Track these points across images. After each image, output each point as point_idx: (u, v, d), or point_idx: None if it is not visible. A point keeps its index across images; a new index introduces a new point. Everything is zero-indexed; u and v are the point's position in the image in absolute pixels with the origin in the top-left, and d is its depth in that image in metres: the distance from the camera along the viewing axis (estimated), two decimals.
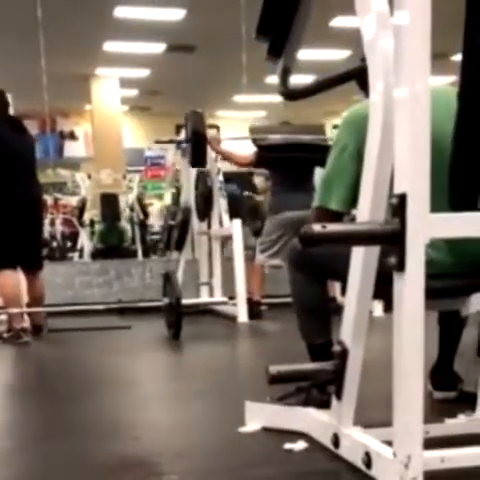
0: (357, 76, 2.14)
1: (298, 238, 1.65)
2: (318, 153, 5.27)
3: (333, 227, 1.65)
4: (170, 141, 6.77)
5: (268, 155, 5.59)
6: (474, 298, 2.05)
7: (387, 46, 1.77)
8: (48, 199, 10.70)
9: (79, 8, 9.25)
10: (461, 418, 2.14)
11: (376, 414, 2.10)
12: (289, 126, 6.19)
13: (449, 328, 2.62)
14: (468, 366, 2.73)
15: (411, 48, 1.60)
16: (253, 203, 8.00)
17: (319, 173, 5.46)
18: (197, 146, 5.71)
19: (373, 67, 1.84)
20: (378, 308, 5.14)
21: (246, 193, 7.43)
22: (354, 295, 1.90)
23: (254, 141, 5.67)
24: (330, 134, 6.12)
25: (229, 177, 6.56)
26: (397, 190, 1.61)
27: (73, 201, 12.05)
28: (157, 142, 7.39)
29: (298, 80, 2.27)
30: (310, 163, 5.56)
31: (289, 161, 5.50)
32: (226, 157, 6.03)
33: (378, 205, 1.80)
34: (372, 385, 2.31)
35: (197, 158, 5.78)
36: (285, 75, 2.20)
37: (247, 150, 5.91)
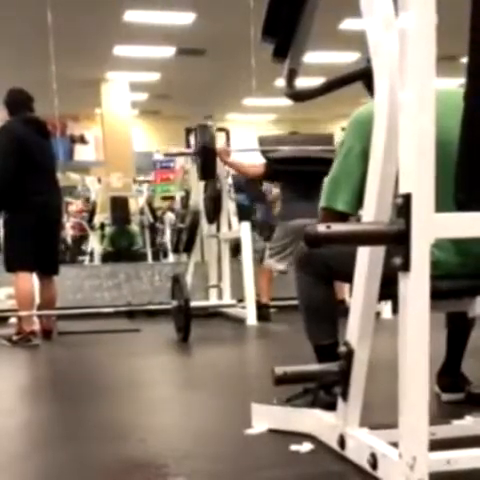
0: (363, 77, 2.14)
1: (303, 238, 1.65)
2: (327, 166, 5.28)
3: (338, 227, 1.65)
4: (180, 154, 6.84)
5: (277, 167, 5.60)
6: None
7: (392, 48, 1.77)
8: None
9: (89, 12, 9.29)
10: (468, 420, 2.13)
11: (382, 415, 2.10)
12: (298, 136, 6.21)
13: (457, 330, 2.61)
14: (476, 368, 2.72)
15: (416, 49, 1.60)
16: (262, 207, 8.02)
17: None
18: (206, 160, 5.77)
19: (378, 68, 1.85)
20: (387, 310, 5.14)
21: (256, 205, 7.45)
22: (360, 296, 1.90)
23: (263, 153, 5.69)
24: (338, 136, 6.11)
25: (238, 187, 6.58)
26: (402, 190, 1.61)
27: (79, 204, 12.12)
28: (166, 155, 7.45)
29: (307, 83, 2.28)
30: (319, 175, 5.57)
31: (298, 174, 5.52)
32: (235, 169, 6.05)
33: (383, 205, 1.80)
34: (379, 386, 2.31)
35: (206, 172, 5.87)
36: (291, 77, 2.21)
37: (257, 160, 5.92)
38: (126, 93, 13.55)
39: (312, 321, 2.43)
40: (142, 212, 11.03)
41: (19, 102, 5.01)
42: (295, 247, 5.43)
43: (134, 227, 10.90)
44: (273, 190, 7.08)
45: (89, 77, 12.59)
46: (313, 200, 5.21)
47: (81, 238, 11.73)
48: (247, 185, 7.25)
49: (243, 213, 6.32)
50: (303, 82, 2.24)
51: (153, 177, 12.06)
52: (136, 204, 11.32)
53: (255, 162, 5.97)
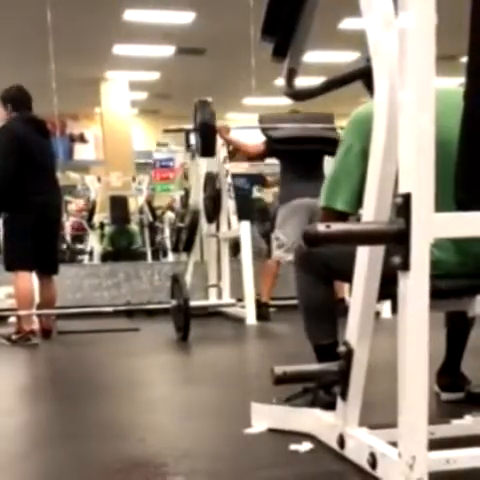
0: (363, 77, 2.14)
1: (303, 238, 1.65)
2: (328, 145, 5.28)
3: (337, 227, 1.65)
4: (179, 129, 6.77)
5: (278, 147, 5.57)
6: None
7: (392, 47, 1.77)
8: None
9: (89, 11, 9.29)
10: (467, 419, 2.13)
11: (382, 415, 2.10)
12: (298, 115, 6.15)
13: (456, 329, 2.61)
14: (475, 367, 2.72)
15: (416, 49, 1.60)
16: (262, 205, 7.99)
17: (329, 162, 5.45)
18: (206, 136, 5.71)
19: (378, 68, 1.85)
20: (387, 309, 5.14)
21: (255, 188, 7.39)
22: (359, 295, 1.90)
23: (263, 131, 5.65)
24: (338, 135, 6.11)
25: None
26: (402, 190, 1.61)
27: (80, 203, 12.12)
28: (166, 131, 7.38)
29: (307, 82, 2.27)
30: (320, 154, 5.56)
31: (299, 153, 5.49)
32: (235, 146, 5.98)
33: (383, 205, 1.80)
34: (378, 386, 2.31)
35: (206, 148, 5.79)
36: (290, 76, 2.21)
37: (257, 140, 5.88)
38: (126, 92, 13.55)
39: (312, 321, 2.43)
40: (141, 211, 11.03)
41: (23, 99, 5.01)
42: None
43: (134, 226, 10.90)
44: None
45: (89, 76, 12.58)
46: (313, 180, 5.20)
47: (81, 237, 11.74)
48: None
49: (243, 197, 6.26)
50: (303, 81, 2.24)
51: (152, 175, 12.06)
52: (136, 203, 11.33)
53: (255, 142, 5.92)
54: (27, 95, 5.03)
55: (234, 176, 6.08)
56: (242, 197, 6.21)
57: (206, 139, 5.74)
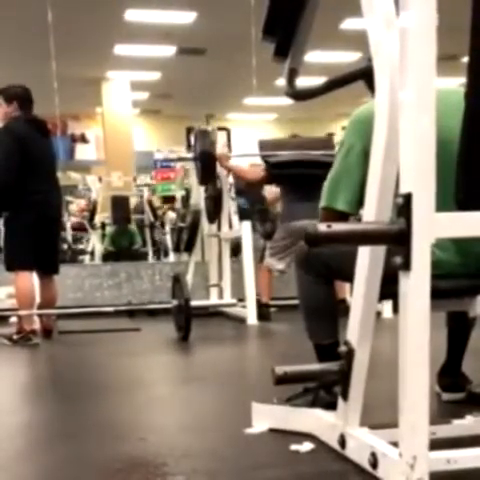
0: (364, 77, 2.14)
1: (303, 238, 1.65)
2: (326, 169, 5.28)
3: (338, 227, 1.65)
4: (179, 159, 6.88)
5: (278, 172, 5.60)
6: None
7: (393, 47, 1.77)
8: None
9: (90, 11, 9.30)
10: (468, 419, 2.13)
11: (382, 415, 2.10)
12: (297, 140, 6.21)
13: (457, 329, 2.61)
14: (476, 367, 2.72)
15: (416, 49, 1.60)
16: (262, 207, 7.99)
17: None
18: (206, 165, 5.80)
19: (379, 68, 1.84)
20: (388, 309, 5.14)
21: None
22: (360, 295, 1.90)
23: (263, 158, 5.69)
24: (338, 136, 6.12)
25: (238, 191, 6.58)
26: (402, 190, 1.61)
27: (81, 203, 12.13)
28: (166, 160, 7.49)
29: (308, 82, 2.27)
30: (318, 178, 5.56)
31: (297, 177, 5.52)
32: (235, 173, 6.05)
33: (384, 205, 1.80)
34: (379, 386, 2.31)
35: (206, 177, 5.90)
36: (292, 76, 2.21)
37: (257, 162, 5.93)
38: (127, 92, 13.56)
39: (312, 320, 2.43)
40: (141, 211, 11.03)
41: (29, 100, 5.01)
42: (295, 249, 5.42)
43: (135, 226, 10.91)
44: (272, 189, 7.04)
45: (90, 76, 12.60)
46: (314, 201, 5.19)
47: (82, 237, 11.74)
48: (247, 188, 7.24)
49: (243, 217, 6.30)
50: (304, 81, 2.24)
51: (154, 175, 12.06)
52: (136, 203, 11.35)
53: (256, 164, 5.96)
54: (31, 97, 5.04)
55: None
56: (242, 214, 6.28)
57: (206, 167, 5.85)
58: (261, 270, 5.81)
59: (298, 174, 5.51)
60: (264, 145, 5.84)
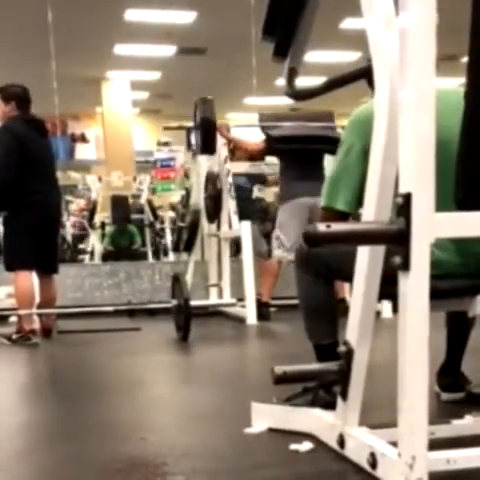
0: (364, 76, 2.14)
1: (303, 238, 1.65)
2: (327, 144, 5.27)
3: (338, 227, 1.65)
4: (180, 127, 6.77)
5: (277, 146, 5.56)
6: None
7: (392, 47, 1.77)
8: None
9: (90, 11, 9.30)
10: (468, 419, 2.13)
11: (382, 415, 2.11)
12: (298, 113, 6.14)
13: (457, 329, 2.61)
14: (476, 367, 2.72)
15: (416, 49, 1.60)
16: (263, 205, 7.97)
17: (329, 160, 5.44)
18: (206, 133, 5.70)
19: (378, 68, 1.85)
20: (387, 309, 5.13)
21: (256, 187, 7.37)
22: (360, 295, 1.90)
23: (263, 129, 5.64)
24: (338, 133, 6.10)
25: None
26: (402, 189, 1.61)
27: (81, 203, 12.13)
28: (166, 128, 7.40)
29: (308, 82, 2.28)
30: (320, 153, 5.55)
31: (298, 152, 5.48)
32: (235, 144, 5.98)
33: (383, 204, 1.80)
34: (378, 386, 2.31)
35: (206, 145, 5.78)
36: (291, 76, 2.21)
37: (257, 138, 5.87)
38: (127, 92, 13.56)
39: (312, 320, 2.43)
40: (142, 211, 11.03)
41: (27, 100, 5.00)
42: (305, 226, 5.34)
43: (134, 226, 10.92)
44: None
45: (90, 76, 12.59)
46: (313, 179, 5.18)
47: (82, 237, 11.75)
48: (247, 160, 7.17)
49: (244, 195, 6.26)
50: (304, 81, 2.24)
51: (153, 174, 12.05)
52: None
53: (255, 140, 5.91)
54: (30, 97, 5.03)
55: (235, 175, 6.08)
56: (243, 196, 6.20)
57: (206, 136, 5.73)
58: (267, 268, 5.76)
59: (298, 149, 5.47)
60: (264, 117, 5.81)
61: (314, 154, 5.48)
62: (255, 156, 6.28)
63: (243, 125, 6.51)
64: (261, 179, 6.78)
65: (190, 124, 6.28)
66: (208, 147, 5.82)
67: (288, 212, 5.51)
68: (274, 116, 5.95)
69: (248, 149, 5.92)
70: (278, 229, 5.62)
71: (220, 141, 5.95)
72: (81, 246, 11.53)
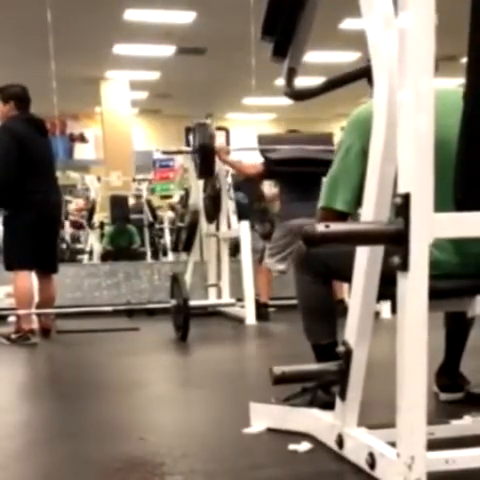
0: (364, 76, 2.14)
1: (301, 238, 1.65)
2: (325, 167, 5.27)
3: (336, 227, 1.65)
4: (178, 152, 6.85)
5: (275, 169, 5.59)
6: None
7: (391, 47, 1.77)
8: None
9: (89, 11, 9.30)
10: (466, 419, 2.13)
11: (380, 415, 2.10)
12: (297, 135, 6.19)
13: (455, 329, 2.61)
14: (475, 367, 2.72)
15: (415, 49, 1.60)
16: (261, 207, 7.99)
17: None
18: (205, 158, 5.78)
19: (378, 68, 1.85)
20: (386, 309, 5.13)
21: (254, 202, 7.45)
22: (358, 295, 1.90)
23: (262, 153, 5.68)
24: (337, 136, 6.11)
25: (237, 185, 6.57)
26: (401, 190, 1.61)
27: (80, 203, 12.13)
28: (165, 153, 7.46)
29: (308, 82, 2.28)
30: (317, 176, 5.57)
31: (296, 175, 5.51)
32: (234, 168, 6.04)
33: (382, 205, 1.80)
34: (377, 386, 2.31)
35: (205, 170, 5.88)
36: (290, 76, 2.21)
37: (256, 160, 5.91)
38: (126, 92, 13.56)
39: (311, 320, 2.43)
40: (141, 211, 11.03)
41: (26, 100, 5.00)
42: (294, 247, 5.42)
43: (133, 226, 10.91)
44: (271, 189, 7.05)
45: (89, 76, 12.59)
46: (311, 200, 5.19)
47: (80, 237, 11.74)
48: (246, 183, 7.24)
49: (242, 212, 6.31)
50: (303, 81, 2.24)
51: (152, 175, 12.05)
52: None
53: (254, 162, 5.96)
54: (29, 96, 5.03)
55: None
56: (240, 207, 6.28)
57: (205, 161, 5.83)
58: (260, 271, 5.81)
59: (296, 172, 5.51)
60: (263, 139, 5.83)
61: (312, 176, 5.49)
62: (253, 179, 6.34)
63: (242, 148, 6.56)
64: (259, 195, 6.86)
65: (188, 148, 6.37)
66: (207, 172, 5.94)
67: (282, 231, 5.59)
68: (273, 138, 5.99)
69: (247, 173, 5.97)
70: (273, 242, 5.70)
71: (219, 141, 5.97)
72: (80, 246, 11.52)
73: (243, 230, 5.68)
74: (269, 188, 7.23)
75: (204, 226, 6.45)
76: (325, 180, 2.35)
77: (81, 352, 4.59)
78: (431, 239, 1.61)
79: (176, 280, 4.98)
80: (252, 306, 5.54)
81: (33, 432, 2.55)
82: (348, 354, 1.93)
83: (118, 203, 10.72)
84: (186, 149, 6.46)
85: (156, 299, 6.30)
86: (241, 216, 6.04)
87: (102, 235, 10.91)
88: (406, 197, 1.59)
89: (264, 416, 2.34)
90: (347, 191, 2.21)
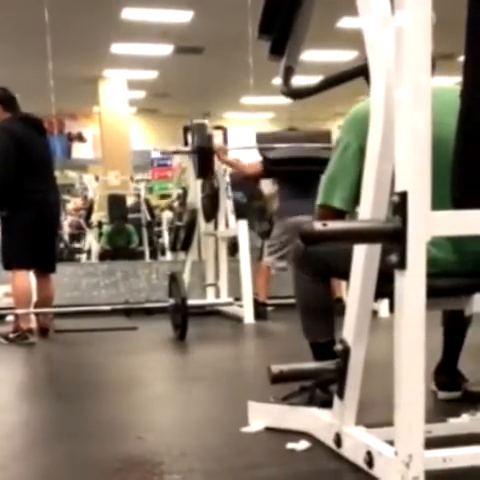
0: (361, 75, 2.14)
1: (299, 236, 1.65)
2: (324, 166, 5.27)
3: (334, 225, 1.64)
4: (177, 152, 6.84)
5: (274, 167, 5.60)
6: (477, 297, 2.04)
7: (388, 45, 1.77)
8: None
9: (87, 10, 9.29)
10: (464, 418, 2.13)
11: (378, 413, 2.10)
12: (295, 133, 6.19)
13: (453, 328, 2.61)
14: (472, 366, 2.73)
15: (412, 47, 1.60)
16: (260, 205, 8.00)
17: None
18: (203, 158, 5.78)
19: (374, 66, 1.85)
20: (384, 308, 5.13)
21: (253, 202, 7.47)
22: (356, 293, 1.90)
23: (260, 151, 5.68)
24: (335, 135, 6.11)
25: (235, 185, 6.58)
26: (398, 188, 1.61)
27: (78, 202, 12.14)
28: (163, 153, 7.47)
29: (305, 81, 2.27)
30: (316, 174, 5.58)
31: (294, 173, 5.52)
32: (233, 167, 6.05)
33: (379, 203, 1.80)
34: (375, 384, 2.31)
35: (203, 170, 5.90)
36: (288, 74, 2.21)
37: (255, 159, 5.91)
38: (124, 91, 13.55)
39: (309, 319, 2.43)
40: (138, 210, 11.03)
41: (11, 100, 4.99)
42: (293, 245, 5.42)
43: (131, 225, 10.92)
44: (270, 187, 7.07)
45: (87, 75, 12.58)
46: (310, 198, 5.18)
47: (78, 236, 11.74)
48: (244, 182, 7.25)
49: (240, 211, 6.32)
50: (300, 80, 2.24)
51: (150, 175, 12.06)
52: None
53: (253, 161, 5.96)
54: (12, 95, 5.01)
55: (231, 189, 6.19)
56: (239, 208, 6.29)
57: (203, 161, 5.85)
58: (259, 269, 5.81)
59: (296, 171, 5.51)
60: (261, 138, 5.83)
61: (311, 174, 5.50)
62: (252, 179, 6.34)
63: (241, 147, 6.56)
64: (257, 194, 6.86)
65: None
66: (205, 172, 5.96)
67: (281, 229, 5.59)
68: (271, 137, 5.99)
69: (245, 172, 5.97)
70: (272, 240, 5.71)
71: (217, 141, 5.98)
72: (78, 245, 11.52)
73: (241, 229, 5.68)
74: (267, 187, 7.24)
75: (202, 225, 6.44)
76: (323, 178, 2.34)
77: (79, 351, 4.59)
78: (429, 237, 1.61)
79: (174, 279, 4.98)
80: (250, 305, 5.55)
81: (32, 432, 2.55)
82: (346, 352, 1.93)
83: (116, 202, 10.72)
84: (184, 149, 6.46)
85: (154, 298, 6.31)
86: (239, 215, 6.05)
87: (100, 234, 10.90)
88: (403, 195, 1.59)
89: (262, 415, 2.34)
90: (345, 189, 2.21)
